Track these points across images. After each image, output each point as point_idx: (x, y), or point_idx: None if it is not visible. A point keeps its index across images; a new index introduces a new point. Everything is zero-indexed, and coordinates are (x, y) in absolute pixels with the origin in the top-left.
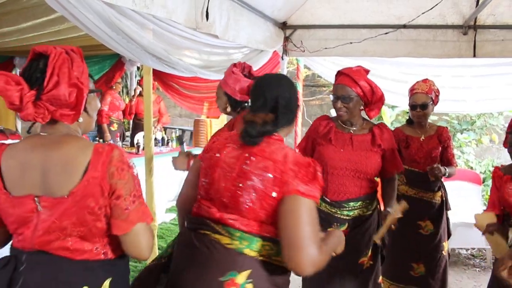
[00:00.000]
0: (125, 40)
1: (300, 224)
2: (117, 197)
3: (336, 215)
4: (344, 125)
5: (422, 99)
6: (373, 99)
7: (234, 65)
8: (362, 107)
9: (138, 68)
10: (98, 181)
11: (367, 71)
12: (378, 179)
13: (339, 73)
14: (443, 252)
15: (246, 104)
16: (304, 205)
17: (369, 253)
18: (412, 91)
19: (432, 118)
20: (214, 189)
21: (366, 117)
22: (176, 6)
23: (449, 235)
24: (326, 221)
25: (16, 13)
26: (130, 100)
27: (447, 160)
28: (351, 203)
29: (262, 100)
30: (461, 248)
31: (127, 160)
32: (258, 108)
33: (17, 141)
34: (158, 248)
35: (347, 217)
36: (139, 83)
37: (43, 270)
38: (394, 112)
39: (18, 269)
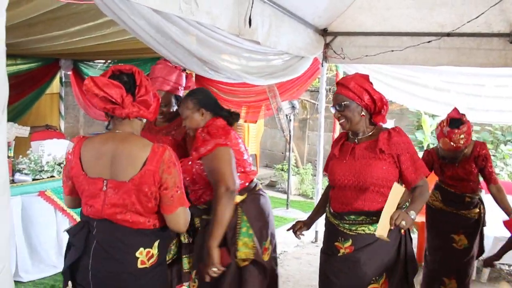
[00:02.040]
0: (173, 45)
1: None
2: (165, 188)
3: (339, 228)
4: (352, 136)
5: (452, 155)
6: (375, 104)
7: (165, 61)
8: (363, 114)
9: None
10: (151, 173)
11: (364, 77)
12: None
13: (336, 84)
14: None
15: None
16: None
17: (383, 280)
18: (442, 139)
19: (475, 129)
20: None
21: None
22: (220, 12)
23: (481, 252)
24: (331, 233)
25: (65, 18)
26: None
27: (486, 177)
28: (352, 216)
29: None
30: (503, 264)
31: (175, 158)
32: None
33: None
34: None
35: (350, 232)
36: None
37: (111, 234)
38: (434, 121)
39: (91, 232)
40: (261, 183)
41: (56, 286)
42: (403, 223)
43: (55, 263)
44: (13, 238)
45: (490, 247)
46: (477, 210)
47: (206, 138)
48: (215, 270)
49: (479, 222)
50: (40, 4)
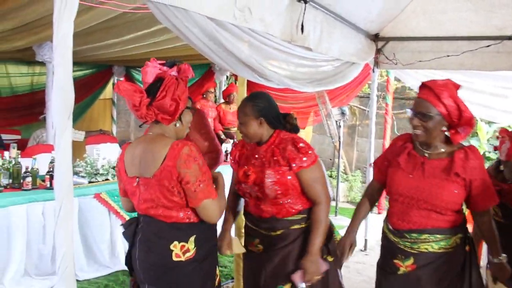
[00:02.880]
0: (225, 53)
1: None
2: (187, 182)
3: (399, 246)
4: (420, 147)
5: None
6: (460, 121)
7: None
8: (444, 128)
9: (226, 77)
10: (170, 168)
11: (457, 87)
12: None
13: (422, 86)
14: None
15: None
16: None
17: None
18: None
19: None
20: None
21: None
22: (273, 19)
23: None
24: (390, 250)
25: (121, 26)
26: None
27: None
28: (414, 235)
29: None
30: None
31: (195, 154)
32: None
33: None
34: None
35: (412, 250)
36: (227, 91)
37: (150, 228)
38: (491, 128)
39: (138, 226)
40: None
41: (109, 286)
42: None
43: (108, 264)
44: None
45: None
46: None
47: (304, 149)
48: (319, 278)
49: None
50: (99, 14)
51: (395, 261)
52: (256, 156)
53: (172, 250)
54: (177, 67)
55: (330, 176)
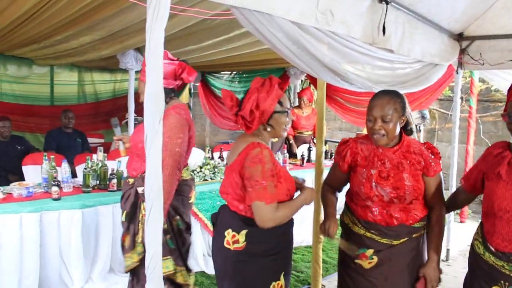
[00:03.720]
0: (308, 56)
1: None
2: (247, 178)
3: (503, 271)
4: None
5: None
6: None
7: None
8: None
9: (301, 81)
10: (238, 163)
11: None
12: None
13: None
14: None
15: (173, 94)
16: None
17: None
18: None
19: None
20: None
21: None
22: (355, 21)
23: None
24: (490, 276)
25: (200, 32)
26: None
27: None
28: None
29: None
30: None
31: (264, 156)
32: None
33: None
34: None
35: None
36: (299, 95)
37: (222, 211)
38: None
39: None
40: None
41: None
42: None
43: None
44: None
45: None
46: None
47: (438, 155)
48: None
49: None
50: (181, 21)
51: (495, 287)
52: (386, 159)
53: (225, 236)
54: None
55: None
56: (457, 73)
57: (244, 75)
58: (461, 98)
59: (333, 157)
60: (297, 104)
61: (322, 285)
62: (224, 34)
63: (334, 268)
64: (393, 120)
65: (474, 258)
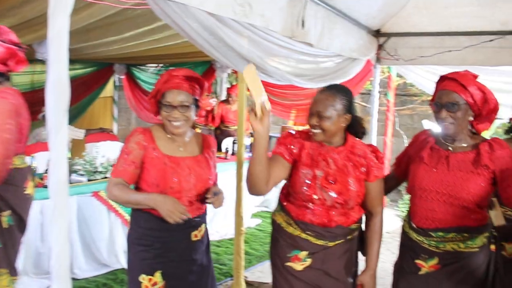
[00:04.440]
0: (225, 48)
1: None
2: None
3: (423, 245)
4: (444, 141)
5: None
6: (485, 109)
7: None
8: (471, 118)
9: (228, 74)
10: None
11: (475, 76)
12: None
13: (443, 78)
14: None
15: (1, 78)
16: None
17: None
18: None
19: None
20: None
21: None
22: (273, 14)
23: None
24: (412, 250)
25: (121, 23)
26: (212, 108)
27: None
28: (440, 233)
29: None
30: None
31: (131, 137)
32: None
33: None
34: (245, 254)
35: (437, 250)
36: (228, 91)
37: None
38: (493, 125)
39: None
40: None
41: (108, 285)
42: None
43: (107, 262)
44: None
45: None
46: None
47: (382, 159)
48: None
49: None
50: (98, 10)
51: (417, 261)
52: (329, 159)
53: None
54: None
55: None
56: (375, 68)
57: (171, 68)
58: (380, 92)
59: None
60: (224, 98)
61: (245, 276)
62: (145, 25)
63: (257, 259)
64: (332, 118)
65: (402, 237)
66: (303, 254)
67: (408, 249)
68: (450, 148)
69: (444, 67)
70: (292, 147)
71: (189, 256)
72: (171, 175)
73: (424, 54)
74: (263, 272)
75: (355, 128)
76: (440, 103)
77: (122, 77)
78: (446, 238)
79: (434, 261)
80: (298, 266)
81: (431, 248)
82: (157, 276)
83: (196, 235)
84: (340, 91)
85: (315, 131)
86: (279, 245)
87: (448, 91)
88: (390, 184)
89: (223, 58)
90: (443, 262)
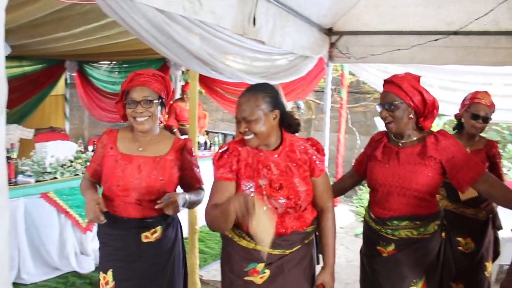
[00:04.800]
0: (174, 44)
1: None
2: None
3: (381, 233)
4: (395, 138)
5: (485, 111)
6: (425, 107)
7: None
8: (411, 116)
9: (182, 72)
10: None
11: (416, 78)
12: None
13: (385, 81)
14: (485, 273)
15: None
16: None
17: (421, 284)
18: (474, 100)
19: None
20: None
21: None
22: (224, 12)
23: (496, 255)
24: (372, 238)
25: (70, 18)
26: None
27: (496, 175)
28: (395, 222)
29: None
30: (507, 265)
31: (99, 139)
32: None
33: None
34: (199, 252)
35: (393, 237)
36: (183, 89)
37: None
38: (441, 121)
39: None
40: None
41: None
42: None
43: (58, 265)
44: (15, 240)
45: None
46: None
47: (323, 152)
48: None
49: (488, 224)
50: (45, 5)
51: (378, 247)
52: (271, 164)
53: None
54: None
55: None
56: (328, 65)
57: (124, 65)
58: (333, 90)
59: (212, 148)
60: (179, 96)
61: (200, 275)
62: (95, 21)
63: (212, 258)
64: (260, 119)
65: (364, 226)
66: (260, 266)
67: (370, 237)
68: (400, 144)
69: (394, 65)
70: (231, 164)
71: (138, 257)
72: (119, 172)
73: (374, 52)
74: (218, 270)
75: (288, 122)
76: (381, 104)
77: (74, 74)
78: (400, 226)
79: (391, 247)
80: (258, 280)
81: (388, 236)
82: (109, 275)
83: (147, 236)
84: (261, 88)
85: (247, 137)
86: (234, 260)
87: (386, 93)
88: (351, 182)
89: (172, 55)
90: (398, 248)
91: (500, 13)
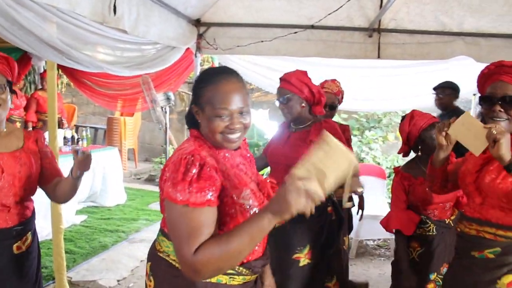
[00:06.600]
0: (22, 32)
1: (173, 227)
2: None
3: None
4: (292, 125)
5: (331, 99)
6: (314, 96)
7: None
8: (303, 105)
9: (46, 62)
10: None
11: (304, 72)
12: None
13: (279, 80)
14: (344, 246)
15: None
16: (173, 209)
17: (306, 251)
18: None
19: (342, 116)
20: None
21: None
22: None
23: (350, 229)
24: None
25: None
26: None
27: None
28: None
29: None
30: (368, 240)
31: None
32: None
33: None
34: (66, 252)
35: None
36: (41, 76)
37: None
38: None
39: None
40: (139, 178)
41: None
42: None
43: None
44: None
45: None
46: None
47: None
48: None
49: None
50: None
51: None
52: (239, 164)
53: None
54: None
55: (161, 163)
56: (196, 56)
57: None
58: None
59: (80, 142)
60: (40, 86)
61: (68, 277)
62: None
63: (82, 257)
64: (249, 111)
65: None
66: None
67: None
68: (293, 130)
69: (261, 57)
70: (214, 181)
71: (13, 273)
72: None
73: (241, 44)
74: (88, 270)
75: None
76: (277, 98)
77: None
78: None
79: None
80: None
81: None
82: None
83: (19, 246)
84: (232, 72)
85: (237, 135)
86: None
87: (280, 89)
88: (261, 163)
89: (21, 43)
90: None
91: (352, 10)
